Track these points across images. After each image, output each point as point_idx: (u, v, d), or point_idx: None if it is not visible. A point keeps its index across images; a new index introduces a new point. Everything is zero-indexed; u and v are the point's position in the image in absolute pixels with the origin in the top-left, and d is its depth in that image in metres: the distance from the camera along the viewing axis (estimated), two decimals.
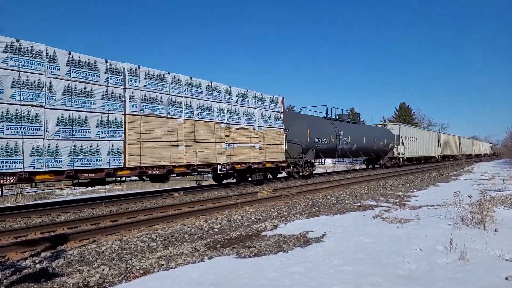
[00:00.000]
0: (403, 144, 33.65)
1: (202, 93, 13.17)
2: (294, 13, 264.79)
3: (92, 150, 9.65)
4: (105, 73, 10.18)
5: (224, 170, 13.65)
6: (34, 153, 8.54)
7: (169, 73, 12.06)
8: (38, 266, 5.09)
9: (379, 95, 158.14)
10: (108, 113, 10.11)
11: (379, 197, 12.00)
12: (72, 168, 9.19)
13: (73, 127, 9.31)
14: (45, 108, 8.84)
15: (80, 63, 9.63)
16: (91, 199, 12.89)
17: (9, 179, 8.16)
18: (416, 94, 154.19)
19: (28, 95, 8.57)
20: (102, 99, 10.01)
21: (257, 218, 8.68)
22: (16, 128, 8.29)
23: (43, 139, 8.73)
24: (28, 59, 8.63)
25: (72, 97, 9.37)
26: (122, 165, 10.32)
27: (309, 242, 6.05)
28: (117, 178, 11.15)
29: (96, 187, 17.73)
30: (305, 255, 5.30)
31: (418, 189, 14.52)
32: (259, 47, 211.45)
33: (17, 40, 8.50)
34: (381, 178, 19.87)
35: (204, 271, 4.68)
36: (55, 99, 9.04)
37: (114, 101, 10.32)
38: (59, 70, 9.19)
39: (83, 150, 9.46)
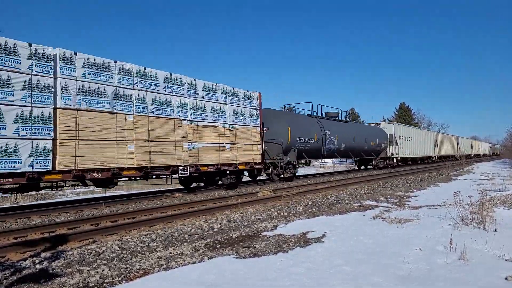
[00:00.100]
0: (397, 144, 32.37)
1: (159, 86, 11.66)
2: (294, 13, 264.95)
3: (8, 151, 8.08)
4: (29, 59, 8.62)
5: (187, 173, 12.28)
6: None
7: (115, 62, 10.53)
8: (38, 266, 5.09)
9: (379, 96, 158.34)
10: (31, 106, 8.54)
11: (379, 197, 11.99)
12: None
13: None
14: None
15: None
16: (91, 199, 12.90)
17: None
18: (416, 94, 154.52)
19: None
20: (23, 89, 8.45)
21: (257, 218, 8.68)
22: None
23: None
24: None
25: None
26: (50, 168, 8.74)
27: (309, 243, 6.04)
28: (64, 184, 9.94)
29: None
30: (305, 255, 5.30)
31: (418, 189, 14.52)
32: (259, 47, 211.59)
33: None
34: (381, 178, 19.86)
35: (204, 271, 4.68)
36: None
37: (41, 92, 8.74)
38: None
39: None
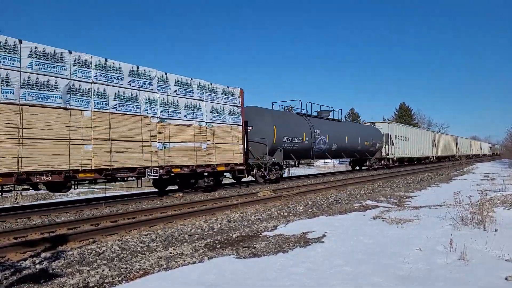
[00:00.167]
0: (393, 144, 31.41)
1: (123, 80, 10.69)
2: (294, 13, 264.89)
3: None
4: None
5: (156, 175, 11.28)
6: None
7: (70, 52, 9.55)
8: (38, 266, 5.09)
9: (379, 96, 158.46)
10: None
11: (379, 197, 11.99)
12: None
13: None
14: None
15: None
16: (91, 199, 12.90)
17: None
18: (416, 94, 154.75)
19: None
20: None
21: (257, 218, 8.68)
22: None
23: None
24: None
25: None
26: None
27: (309, 243, 6.04)
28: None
29: (96, 187, 17.79)
30: (305, 256, 5.30)
31: (418, 190, 14.51)
32: (259, 47, 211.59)
33: None
34: (381, 178, 19.86)
35: (204, 271, 4.68)
36: None
37: None
38: None
39: None
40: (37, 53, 8.95)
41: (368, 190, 14.35)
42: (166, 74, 12.12)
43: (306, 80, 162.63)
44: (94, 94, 9.94)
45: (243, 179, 17.05)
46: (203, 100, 13.32)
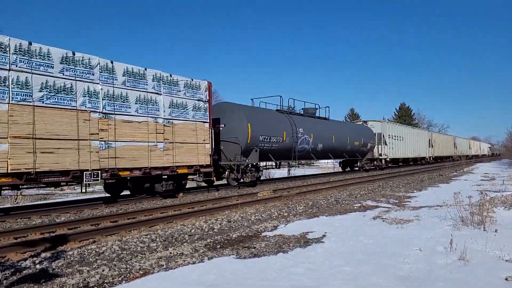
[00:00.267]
0: (386, 144, 29.62)
1: (52, 67, 9.13)
2: (294, 13, 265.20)
3: None
4: None
5: (97, 179, 9.75)
6: None
7: None
8: (38, 266, 5.10)
9: (379, 96, 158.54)
10: None
11: (379, 197, 12.00)
12: None
13: None
14: None
15: None
16: (91, 199, 12.89)
17: None
18: (416, 94, 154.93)
19: None
20: None
21: (257, 218, 8.68)
22: None
23: None
24: None
25: None
26: None
27: (309, 243, 6.05)
28: None
29: (96, 187, 17.79)
30: (305, 256, 5.30)
31: (418, 190, 14.51)
32: (259, 47, 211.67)
33: None
34: (381, 179, 19.88)
35: (204, 271, 4.68)
36: None
37: None
38: None
39: None
40: None
41: (368, 190, 14.35)
42: (112, 62, 10.53)
43: (306, 80, 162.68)
44: (12, 84, 8.34)
45: (215, 182, 15.21)
46: (160, 94, 11.79)
